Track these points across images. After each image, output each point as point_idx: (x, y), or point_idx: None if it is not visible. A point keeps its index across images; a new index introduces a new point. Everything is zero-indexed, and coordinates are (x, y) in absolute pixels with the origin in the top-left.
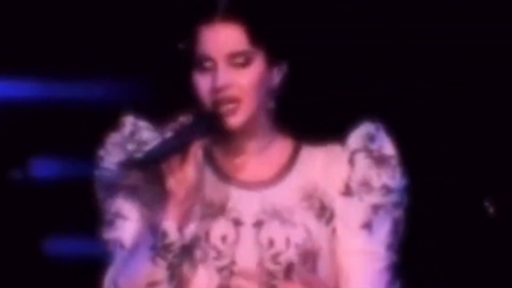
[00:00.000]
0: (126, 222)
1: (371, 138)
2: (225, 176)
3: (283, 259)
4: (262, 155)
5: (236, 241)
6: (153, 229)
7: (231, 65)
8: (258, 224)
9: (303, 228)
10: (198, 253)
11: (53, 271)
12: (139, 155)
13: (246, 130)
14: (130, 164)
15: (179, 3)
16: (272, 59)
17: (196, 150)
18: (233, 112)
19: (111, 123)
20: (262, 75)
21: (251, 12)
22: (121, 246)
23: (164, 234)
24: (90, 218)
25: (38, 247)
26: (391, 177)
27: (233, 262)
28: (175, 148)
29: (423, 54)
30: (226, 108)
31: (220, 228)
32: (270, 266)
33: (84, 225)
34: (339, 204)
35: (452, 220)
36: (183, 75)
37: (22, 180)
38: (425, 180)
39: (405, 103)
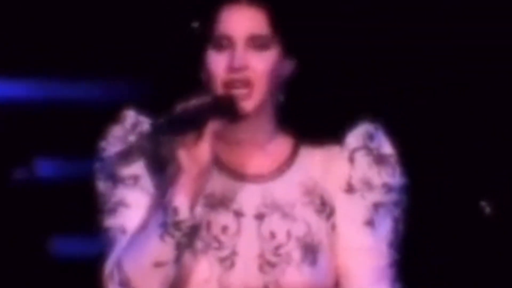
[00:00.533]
0: (129, 210)
1: (370, 137)
2: (226, 168)
3: (284, 251)
4: (264, 149)
5: (237, 232)
6: (164, 207)
7: (249, 47)
8: (259, 217)
9: (304, 222)
10: (199, 244)
11: (57, 271)
12: (159, 120)
13: (254, 120)
14: (151, 128)
15: None
16: (286, 50)
17: (212, 129)
18: (246, 96)
19: (113, 123)
20: (276, 64)
21: None
22: (124, 232)
23: (176, 211)
24: (94, 218)
25: (42, 247)
26: (391, 176)
27: (234, 253)
28: (193, 123)
29: (423, 54)
30: (238, 92)
31: (221, 219)
32: (271, 258)
33: (88, 225)
34: (341, 202)
35: (451, 220)
36: (188, 64)
37: (26, 180)
38: (423, 180)
39: (404, 103)
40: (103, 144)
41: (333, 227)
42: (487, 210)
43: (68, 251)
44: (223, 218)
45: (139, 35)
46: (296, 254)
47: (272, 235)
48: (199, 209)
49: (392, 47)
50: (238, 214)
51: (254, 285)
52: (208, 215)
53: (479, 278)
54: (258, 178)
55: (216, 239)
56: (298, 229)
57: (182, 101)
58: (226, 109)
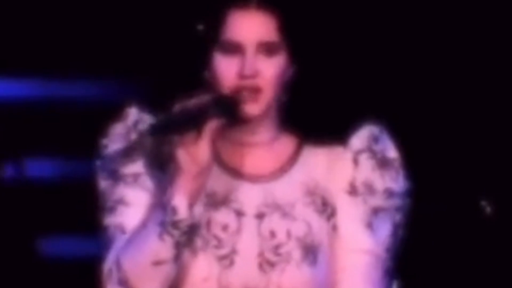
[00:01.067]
0: (128, 208)
1: (375, 139)
2: (228, 167)
3: (284, 250)
4: (266, 149)
5: (238, 231)
6: (163, 206)
7: (259, 53)
8: (260, 216)
9: (304, 222)
10: (198, 242)
11: (47, 271)
12: (158, 119)
13: (258, 122)
14: (150, 128)
15: None
16: (292, 55)
17: (212, 127)
18: (254, 100)
19: (108, 123)
20: (284, 68)
21: (286, 3)
22: (123, 231)
23: (174, 210)
24: (85, 218)
25: (33, 247)
26: (394, 180)
27: (233, 251)
28: (192, 122)
29: (428, 58)
30: (247, 96)
31: (221, 217)
32: (271, 257)
33: (79, 225)
34: (344, 203)
35: (451, 220)
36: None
37: (16, 179)
38: (423, 180)
39: (405, 104)
40: (104, 141)
41: (334, 228)
42: (487, 210)
43: (58, 251)
44: (224, 216)
45: (139, 35)
46: (296, 254)
47: (272, 234)
48: (199, 208)
49: (399, 51)
50: (239, 213)
51: (253, 284)
52: (208, 213)
53: (479, 278)
54: (260, 178)
55: (215, 237)
56: (299, 229)
57: (182, 100)
58: (228, 110)
